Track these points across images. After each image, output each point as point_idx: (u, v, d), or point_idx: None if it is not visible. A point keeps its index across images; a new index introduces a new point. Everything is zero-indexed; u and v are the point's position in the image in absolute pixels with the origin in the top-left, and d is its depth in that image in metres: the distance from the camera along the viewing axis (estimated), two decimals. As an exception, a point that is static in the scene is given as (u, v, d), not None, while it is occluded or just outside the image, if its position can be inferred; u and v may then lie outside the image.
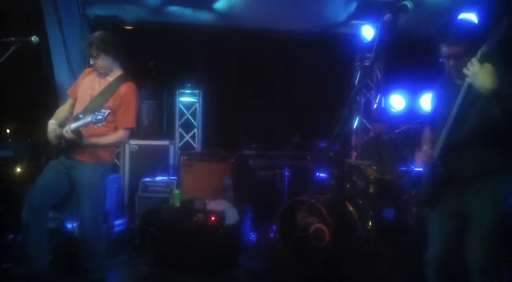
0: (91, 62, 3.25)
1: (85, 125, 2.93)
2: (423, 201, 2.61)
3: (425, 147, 2.52)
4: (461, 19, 2.38)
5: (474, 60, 2.09)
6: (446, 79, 2.45)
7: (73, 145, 3.02)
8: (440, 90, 2.55)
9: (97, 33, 3.22)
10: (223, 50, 5.78)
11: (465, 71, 2.13)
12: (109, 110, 2.89)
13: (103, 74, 3.22)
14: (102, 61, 3.15)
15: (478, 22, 2.29)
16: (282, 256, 4.28)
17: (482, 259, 2.23)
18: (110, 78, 3.22)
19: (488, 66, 2.08)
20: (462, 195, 2.31)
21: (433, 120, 2.55)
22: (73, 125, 2.97)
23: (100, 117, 2.84)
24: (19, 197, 3.15)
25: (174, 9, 5.13)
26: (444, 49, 2.28)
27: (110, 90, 3.16)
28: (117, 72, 3.26)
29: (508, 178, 2.28)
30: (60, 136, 3.03)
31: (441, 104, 2.46)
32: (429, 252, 2.50)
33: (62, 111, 3.34)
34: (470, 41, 2.20)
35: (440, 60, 2.34)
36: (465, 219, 2.31)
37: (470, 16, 4.28)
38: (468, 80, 2.14)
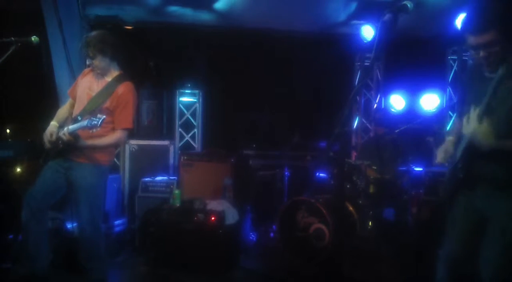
0: (87, 62, 3.21)
1: (81, 128, 2.94)
2: (442, 198, 2.48)
3: (449, 138, 2.32)
4: (492, 4, 1.99)
5: (473, 117, 1.98)
6: (475, 70, 2.18)
7: (71, 147, 3.02)
8: (469, 81, 2.28)
9: (94, 33, 3.19)
10: (223, 50, 5.78)
11: (464, 127, 2.04)
12: (104, 116, 2.89)
13: (100, 74, 3.21)
14: (99, 62, 3.12)
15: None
16: (282, 256, 4.28)
17: (497, 273, 2.07)
18: (108, 79, 3.21)
19: (485, 126, 1.95)
20: (484, 196, 2.15)
21: (461, 113, 2.29)
22: (71, 127, 2.97)
23: (95, 122, 2.84)
24: (19, 197, 3.15)
25: (174, 9, 5.13)
26: (472, 39, 1.99)
27: (107, 91, 3.15)
28: (115, 72, 3.24)
29: None
30: (58, 138, 3.03)
31: (469, 98, 2.21)
32: (444, 248, 2.37)
33: (62, 112, 3.34)
34: (502, 26, 1.91)
35: (468, 52, 2.17)
36: (484, 221, 2.14)
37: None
38: (496, 78, 1.94)
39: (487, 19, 1.94)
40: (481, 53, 2.01)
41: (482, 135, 1.97)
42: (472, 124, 1.99)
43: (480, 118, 1.97)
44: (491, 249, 2.10)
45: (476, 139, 2.00)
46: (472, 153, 2.10)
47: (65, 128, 2.98)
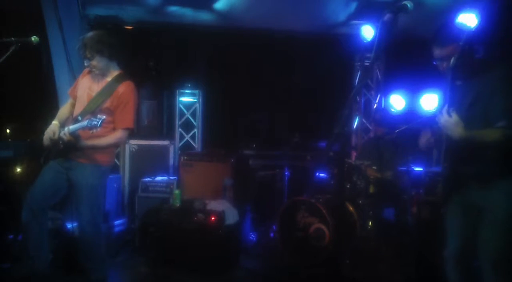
0: (85, 64, 3.19)
1: (82, 129, 2.94)
2: (440, 198, 2.56)
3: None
4: (453, 22, 2.37)
5: (444, 111, 2.18)
6: (448, 80, 2.39)
7: (71, 147, 3.02)
8: (443, 91, 2.48)
9: (91, 33, 3.16)
10: (223, 50, 5.78)
11: (437, 119, 2.24)
12: (104, 117, 2.90)
13: (100, 74, 3.20)
14: (97, 62, 3.11)
15: (476, 23, 2.29)
16: (282, 256, 4.28)
17: (496, 254, 2.19)
18: (108, 78, 3.20)
19: (455, 118, 2.15)
20: (476, 189, 2.27)
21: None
22: (71, 127, 2.97)
23: (95, 123, 2.84)
24: (19, 197, 3.15)
25: (174, 9, 5.13)
26: (437, 52, 2.32)
27: (108, 91, 3.14)
28: (115, 72, 3.23)
29: None
30: (59, 138, 3.03)
31: (444, 105, 2.42)
32: (447, 248, 2.46)
33: (63, 112, 3.33)
34: (461, 42, 2.19)
35: (434, 62, 2.36)
36: (480, 213, 2.27)
37: (470, 16, 4.27)
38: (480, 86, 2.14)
39: (449, 35, 2.28)
40: (445, 64, 2.30)
41: (451, 126, 2.16)
42: (443, 119, 2.19)
43: (448, 112, 2.17)
44: (486, 235, 2.23)
45: (447, 130, 2.19)
46: (452, 151, 2.28)
47: (66, 129, 2.97)
